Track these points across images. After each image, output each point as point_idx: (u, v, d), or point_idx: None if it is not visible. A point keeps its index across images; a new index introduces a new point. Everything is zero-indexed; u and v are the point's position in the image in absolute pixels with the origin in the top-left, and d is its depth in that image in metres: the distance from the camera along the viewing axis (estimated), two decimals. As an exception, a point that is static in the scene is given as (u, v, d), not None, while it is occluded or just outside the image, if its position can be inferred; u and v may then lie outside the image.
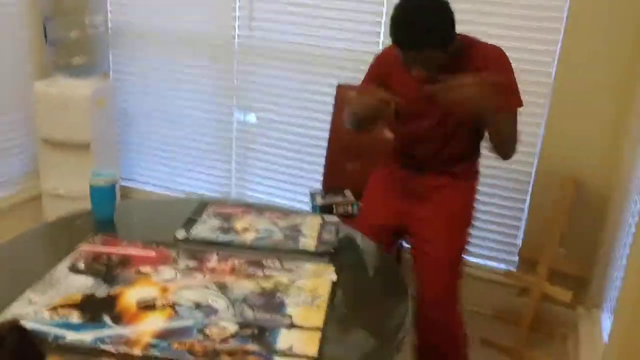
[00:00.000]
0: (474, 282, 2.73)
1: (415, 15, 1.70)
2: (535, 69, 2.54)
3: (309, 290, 1.39)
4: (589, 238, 2.61)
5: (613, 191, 2.48)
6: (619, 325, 1.82)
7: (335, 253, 1.60)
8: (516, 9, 2.51)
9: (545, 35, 2.50)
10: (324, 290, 1.40)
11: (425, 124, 1.95)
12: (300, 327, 1.24)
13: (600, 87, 2.45)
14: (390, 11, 1.77)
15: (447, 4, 1.73)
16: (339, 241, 1.67)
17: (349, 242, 1.73)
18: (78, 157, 3.02)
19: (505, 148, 1.91)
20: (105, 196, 1.68)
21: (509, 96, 1.82)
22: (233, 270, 1.46)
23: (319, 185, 2.97)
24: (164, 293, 1.33)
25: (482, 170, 2.22)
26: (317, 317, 1.28)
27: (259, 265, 1.50)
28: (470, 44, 1.85)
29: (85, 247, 1.52)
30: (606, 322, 2.32)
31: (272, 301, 1.33)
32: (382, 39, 2.76)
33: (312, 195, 2.65)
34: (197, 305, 1.29)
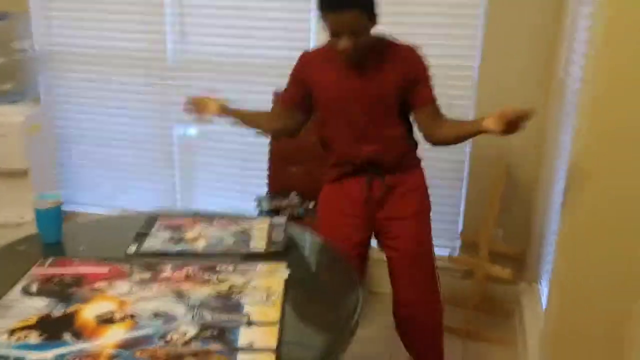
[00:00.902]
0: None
1: None
2: (460, 61, 2.69)
3: (263, 289, 1.45)
4: (522, 217, 2.78)
5: (541, 172, 2.65)
6: (554, 294, 1.95)
7: (286, 252, 1.66)
8: (437, 7, 2.65)
9: (466, 30, 2.66)
10: (278, 288, 1.45)
11: (356, 114, 1.99)
12: (258, 324, 1.29)
13: (523, 74, 2.62)
14: (317, 19, 1.87)
15: None
16: (288, 240, 1.74)
17: (298, 240, 1.79)
18: (15, 184, 2.97)
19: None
20: (51, 218, 1.68)
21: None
22: (188, 278, 1.50)
23: (264, 190, 3.03)
24: (121, 306, 1.35)
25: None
26: (273, 313, 1.34)
27: (213, 270, 1.54)
28: (390, 42, 1.97)
29: (37, 271, 1.52)
30: (545, 294, 2.47)
31: (229, 303, 1.38)
32: (312, 45, 2.85)
33: (259, 201, 2.71)
34: (156, 315, 1.32)
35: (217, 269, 1.55)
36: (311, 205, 2.64)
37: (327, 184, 2.16)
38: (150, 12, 2.99)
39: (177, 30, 2.99)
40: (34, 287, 1.44)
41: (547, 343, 1.97)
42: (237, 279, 1.49)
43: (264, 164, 3.04)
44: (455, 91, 2.72)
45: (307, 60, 2.04)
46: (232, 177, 3.16)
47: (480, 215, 2.79)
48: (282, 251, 1.66)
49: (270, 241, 1.73)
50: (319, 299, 1.47)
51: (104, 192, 3.32)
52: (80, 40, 3.12)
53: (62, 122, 3.27)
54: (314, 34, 2.83)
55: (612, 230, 1.68)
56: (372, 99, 1.98)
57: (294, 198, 2.63)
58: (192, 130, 3.15)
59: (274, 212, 2.58)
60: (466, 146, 2.78)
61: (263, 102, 2.96)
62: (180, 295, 1.41)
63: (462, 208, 2.87)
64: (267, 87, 2.92)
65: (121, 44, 3.07)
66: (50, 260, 1.58)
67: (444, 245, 2.94)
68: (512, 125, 1.75)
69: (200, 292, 1.43)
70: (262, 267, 1.56)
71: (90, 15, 3.07)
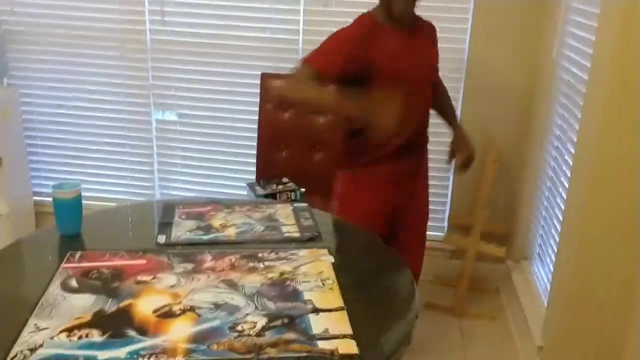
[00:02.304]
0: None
1: None
2: (450, 44, 2.72)
3: (314, 274, 1.41)
4: (508, 196, 2.86)
5: (527, 151, 2.73)
6: (560, 270, 2.03)
7: (320, 237, 1.64)
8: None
9: (455, 15, 2.69)
10: (330, 273, 1.43)
11: (416, 86, 1.95)
12: (325, 310, 1.26)
13: (512, 55, 2.68)
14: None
15: None
16: (318, 225, 1.71)
17: (327, 225, 1.77)
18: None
19: None
20: (71, 209, 1.57)
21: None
22: (233, 267, 1.44)
23: (247, 177, 2.97)
24: (176, 299, 1.29)
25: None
26: (334, 299, 1.31)
27: (255, 258, 1.49)
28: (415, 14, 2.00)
29: (69, 265, 1.42)
30: (537, 271, 2.57)
31: (285, 290, 1.34)
32: (302, 27, 2.80)
33: (251, 187, 2.65)
34: (217, 306, 1.27)
35: (259, 256, 1.50)
36: (303, 190, 2.60)
37: (353, 169, 2.08)
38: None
39: (158, 9, 2.85)
40: (74, 283, 1.34)
41: (552, 319, 2.05)
42: (284, 266, 1.45)
43: (248, 150, 2.98)
44: (445, 73, 2.75)
45: (351, 36, 1.88)
46: (214, 164, 3.07)
47: (467, 196, 2.86)
48: (316, 235, 1.63)
49: (301, 226, 1.69)
50: (372, 283, 1.46)
51: (78, 181, 3.14)
52: (50, 19, 2.92)
53: (32, 105, 3.06)
54: (302, 15, 2.77)
55: (616, 213, 1.76)
56: (428, 69, 2.02)
57: (289, 183, 2.59)
58: (172, 114, 3.04)
59: (270, 197, 2.53)
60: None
61: (246, 86, 2.89)
62: (232, 285, 1.35)
63: (450, 190, 2.93)
64: (250, 70, 2.85)
65: (97, 23, 2.89)
66: (79, 253, 1.48)
67: (434, 225, 2.99)
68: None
69: (251, 280, 1.38)
70: (304, 252, 1.53)
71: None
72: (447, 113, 2.24)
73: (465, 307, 2.74)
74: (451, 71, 2.75)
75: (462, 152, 2.14)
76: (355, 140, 2.04)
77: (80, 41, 2.93)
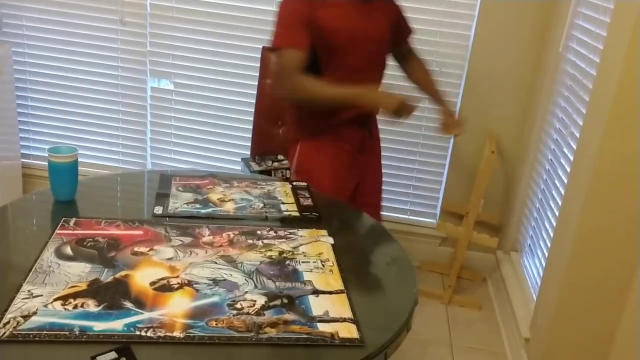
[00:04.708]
0: (398, 236, 2.87)
1: None
2: (454, 28, 2.69)
3: (314, 255, 1.39)
4: (501, 187, 2.86)
5: (525, 144, 2.72)
6: (553, 264, 2.03)
7: (319, 217, 1.61)
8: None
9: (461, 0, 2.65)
10: (329, 254, 1.41)
11: (364, 53, 1.94)
12: (325, 292, 1.25)
13: (517, 45, 2.65)
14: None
15: None
16: (317, 205, 1.69)
17: (326, 205, 1.74)
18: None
19: None
20: (67, 174, 1.53)
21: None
22: (231, 243, 1.42)
23: (242, 152, 2.93)
24: (173, 272, 1.26)
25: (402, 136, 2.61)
26: (334, 281, 1.29)
27: (254, 235, 1.47)
28: None
29: (63, 231, 1.38)
30: (526, 263, 2.58)
31: (285, 269, 1.32)
32: None
33: (246, 162, 2.61)
34: (215, 282, 1.24)
35: (258, 233, 1.47)
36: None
37: (314, 138, 2.04)
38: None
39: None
40: (68, 250, 1.31)
41: (540, 313, 2.06)
42: (283, 245, 1.43)
43: (242, 125, 2.94)
44: (447, 59, 2.73)
45: (303, 1, 1.85)
46: (208, 136, 3.02)
47: (462, 184, 2.85)
48: (316, 216, 1.61)
49: (300, 205, 1.67)
50: (372, 267, 1.44)
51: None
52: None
53: (25, 65, 2.97)
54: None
55: (613, 212, 1.76)
56: (378, 36, 1.99)
57: (284, 160, 2.55)
58: (168, 84, 2.98)
59: (265, 173, 2.50)
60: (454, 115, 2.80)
61: (246, 59, 2.84)
62: (231, 261, 1.33)
63: (444, 179, 2.91)
64: (252, 43, 2.80)
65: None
66: (73, 220, 1.44)
67: (422, 212, 2.99)
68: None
69: (250, 257, 1.35)
70: (303, 232, 1.51)
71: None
72: (427, 84, 2.19)
73: (453, 295, 2.74)
74: (455, 58, 2.72)
75: (453, 123, 2.11)
76: (306, 113, 2.02)
77: (77, 1, 2.84)
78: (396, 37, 2.09)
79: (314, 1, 1.84)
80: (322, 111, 1.97)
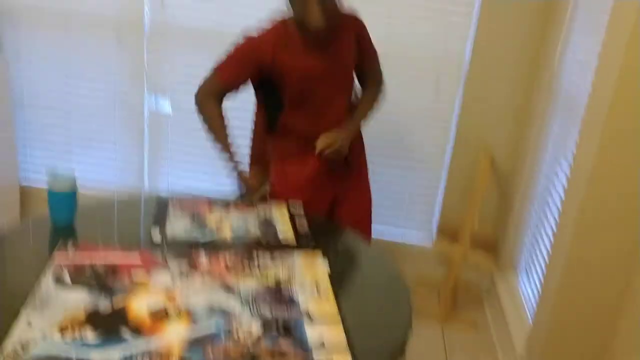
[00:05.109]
0: (394, 255, 2.89)
1: None
2: (451, 48, 2.72)
3: (310, 281, 1.41)
4: (496, 206, 2.88)
5: (521, 162, 2.75)
6: (550, 284, 2.05)
7: (314, 241, 1.63)
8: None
9: (458, 20, 2.68)
10: (324, 281, 1.42)
11: (323, 91, 2.01)
12: (320, 320, 1.26)
13: (513, 62, 2.68)
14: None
15: None
16: (312, 229, 1.71)
17: (321, 229, 1.76)
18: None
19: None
20: (66, 201, 1.54)
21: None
22: (228, 269, 1.43)
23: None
24: (171, 300, 1.28)
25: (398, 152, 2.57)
26: (329, 308, 1.31)
27: (251, 260, 1.48)
28: (340, 13, 1.99)
29: (61, 258, 1.40)
30: (522, 282, 2.59)
31: (281, 296, 1.34)
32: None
33: (242, 182, 2.63)
34: (211, 309, 1.26)
35: (255, 259, 1.49)
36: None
37: (282, 159, 2.13)
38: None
39: (157, -5, 2.81)
40: (67, 277, 1.32)
41: (537, 334, 2.07)
42: (279, 271, 1.45)
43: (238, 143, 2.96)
44: (443, 79, 2.76)
45: (260, 43, 1.96)
46: (205, 155, 3.03)
47: (457, 203, 2.87)
48: (312, 240, 1.63)
49: (296, 230, 1.69)
50: (367, 292, 1.46)
51: (64, 166, 3.10)
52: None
53: (23, 84, 2.99)
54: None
55: (609, 229, 1.78)
56: (339, 74, 2.03)
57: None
58: (166, 104, 3.00)
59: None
60: (450, 134, 2.83)
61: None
62: (228, 288, 1.35)
63: (440, 196, 2.94)
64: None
65: (94, 4, 2.84)
66: (71, 246, 1.46)
67: (420, 229, 3.01)
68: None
69: (247, 284, 1.37)
70: (298, 258, 1.52)
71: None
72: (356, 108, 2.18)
73: (449, 314, 2.76)
74: (451, 75, 2.76)
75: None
76: (276, 136, 2.12)
77: (76, 20, 2.87)
78: (360, 59, 2.11)
79: (276, 46, 1.94)
80: (288, 135, 2.10)
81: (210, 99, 2.01)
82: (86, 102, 3.01)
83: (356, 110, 2.14)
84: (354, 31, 2.05)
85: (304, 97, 2.03)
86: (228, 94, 2.01)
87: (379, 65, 2.18)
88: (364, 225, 2.25)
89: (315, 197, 2.06)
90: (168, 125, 3.01)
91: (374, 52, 2.15)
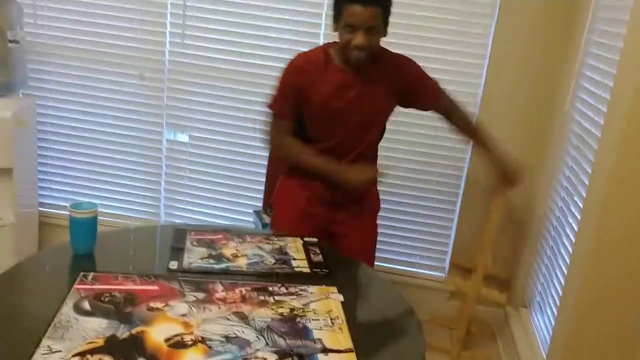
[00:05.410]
0: (407, 289, 2.89)
1: None
2: (464, 80, 2.76)
3: (324, 312, 1.43)
4: (509, 242, 2.88)
5: (534, 197, 2.76)
6: (563, 322, 2.04)
7: (329, 273, 1.65)
8: (443, 24, 2.71)
9: (473, 50, 2.73)
10: (339, 312, 1.44)
11: (350, 124, 2.04)
12: (334, 351, 1.27)
13: (525, 97, 2.72)
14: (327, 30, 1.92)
15: None
16: (327, 261, 1.73)
17: (336, 261, 1.78)
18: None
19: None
20: (87, 229, 1.58)
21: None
22: (244, 299, 1.45)
23: (254, 204, 2.99)
24: (187, 329, 1.30)
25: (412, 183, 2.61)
26: (343, 340, 1.32)
27: (266, 291, 1.50)
28: (384, 52, 2.03)
29: (82, 286, 1.43)
30: (535, 319, 2.57)
31: (295, 327, 1.35)
32: (319, 60, 2.84)
33: (258, 214, 2.66)
34: (227, 338, 1.28)
35: (270, 289, 1.51)
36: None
37: (291, 177, 2.19)
38: (151, 13, 2.89)
39: (179, 31, 2.89)
40: (86, 305, 1.35)
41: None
42: (294, 302, 1.46)
43: (254, 177, 3.01)
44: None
45: (301, 70, 2.01)
46: (222, 188, 3.08)
47: (471, 238, 2.88)
48: (326, 273, 1.65)
49: (310, 261, 1.71)
50: (380, 324, 1.47)
51: (84, 197, 3.14)
52: (74, 34, 2.95)
53: (48, 117, 3.08)
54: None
55: (622, 266, 1.79)
56: (367, 113, 2.05)
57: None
58: (183, 137, 3.06)
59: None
60: (463, 170, 2.86)
61: (260, 113, 2.93)
62: (243, 318, 1.37)
63: (453, 232, 2.94)
64: (265, 98, 2.88)
65: (118, 41, 2.93)
66: (91, 274, 1.49)
67: (430, 265, 3.01)
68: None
69: (261, 314, 1.39)
70: (313, 289, 1.54)
71: (85, 9, 2.92)
72: (472, 136, 2.20)
73: (462, 349, 2.74)
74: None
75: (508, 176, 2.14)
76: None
77: (99, 58, 2.96)
78: (407, 101, 2.13)
79: (311, 76, 1.99)
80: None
81: (283, 137, 2.08)
82: (107, 135, 3.07)
83: (475, 135, 2.19)
84: (394, 73, 2.03)
85: (322, 134, 2.06)
86: (293, 126, 2.07)
87: (448, 96, 2.17)
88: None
89: (309, 222, 2.11)
90: (186, 158, 3.07)
91: (433, 92, 2.13)
